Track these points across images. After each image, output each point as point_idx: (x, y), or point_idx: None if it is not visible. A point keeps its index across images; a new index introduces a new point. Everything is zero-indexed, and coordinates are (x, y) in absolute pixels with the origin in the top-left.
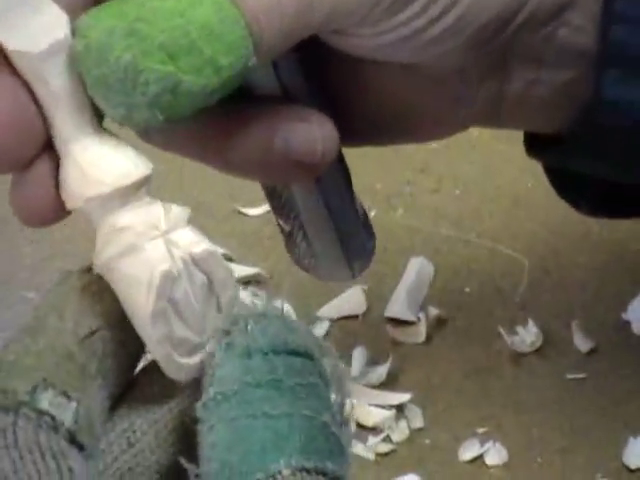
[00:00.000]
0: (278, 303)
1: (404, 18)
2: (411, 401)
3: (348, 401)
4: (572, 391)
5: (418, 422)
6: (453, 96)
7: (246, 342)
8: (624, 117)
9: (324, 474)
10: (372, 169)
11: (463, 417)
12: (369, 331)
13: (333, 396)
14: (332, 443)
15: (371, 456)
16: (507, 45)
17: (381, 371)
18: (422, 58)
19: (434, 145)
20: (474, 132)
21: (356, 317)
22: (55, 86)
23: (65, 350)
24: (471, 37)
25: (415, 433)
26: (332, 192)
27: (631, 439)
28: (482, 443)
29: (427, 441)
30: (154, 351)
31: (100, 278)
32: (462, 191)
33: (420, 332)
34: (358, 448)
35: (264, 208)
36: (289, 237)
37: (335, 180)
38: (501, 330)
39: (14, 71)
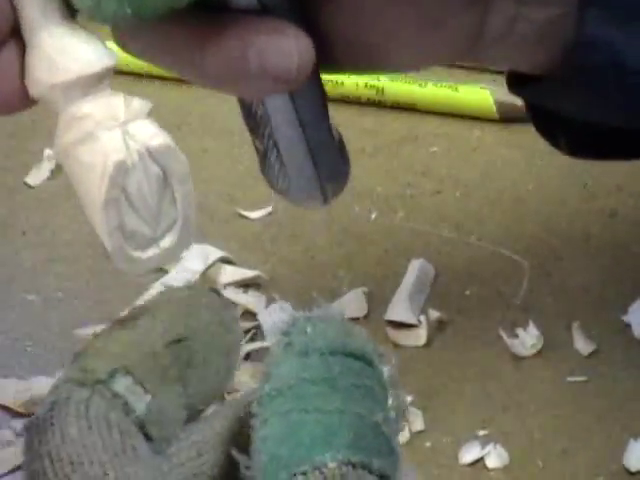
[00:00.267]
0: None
1: None
2: (411, 404)
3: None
4: (573, 394)
5: (419, 425)
6: (431, 20)
7: (305, 342)
8: (603, 57)
9: (370, 471)
10: (373, 172)
11: (464, 420)
12: (369, 334)
13: (390, 401)
14: (381, 442)
15: None
16: None
17: None
18: None
19: (435, 148)
20: (475, 135)
21: (357, 320)
22: None
23: (150, 348)
24: None
25: (415, 436)
26: (306, 109)
27: (632, 442)
28: (483, 446)
29: (427, 444)
30: (105, 241)
31: (198, 294)
32: (463, 194)
33: (421, 335)
34: None
35: (265, 211)
36: (263, 157)
37: (310, 97)
38: (502, 333)
39: None
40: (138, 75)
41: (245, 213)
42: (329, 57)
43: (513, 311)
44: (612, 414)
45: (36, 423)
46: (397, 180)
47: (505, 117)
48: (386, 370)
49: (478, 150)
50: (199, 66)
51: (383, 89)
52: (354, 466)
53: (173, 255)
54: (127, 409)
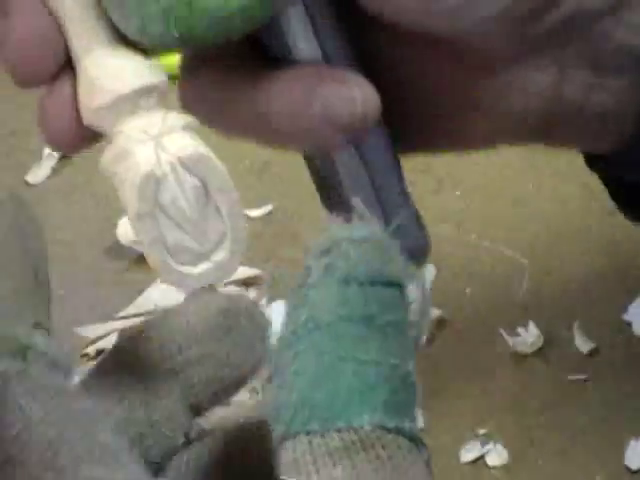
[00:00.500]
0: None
1: None
2: None
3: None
4: (573, 392)
5: (419, 423)
6: (503, 83)
7: (347, 268)
8: None
9: (403, 434)
10: None
11: (464, 418)
12: None
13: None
14: (410, 394)
15: None
16: (558, 36)
17: None
18: (463, 25)
19: None
20: None
21: None
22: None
23: None
24: (501, 14)
25: None
26: (377, 168)
27: (632, 440)
28: (483, 444)
29: (428, 442)
30: (148, 256)
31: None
32: (463, 192)
33: None
34: None
35: (265, 209)
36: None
37: (377, 146)
38: (502, 331)
39: None
40: None
41: (246, 212)
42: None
43: (513, 310)
44: (612, 413)
45: None
46: None
47: None
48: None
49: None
50: (263, 116)
51: None
52: (389, 431)
53: (227, 269)
54: (59, 367)
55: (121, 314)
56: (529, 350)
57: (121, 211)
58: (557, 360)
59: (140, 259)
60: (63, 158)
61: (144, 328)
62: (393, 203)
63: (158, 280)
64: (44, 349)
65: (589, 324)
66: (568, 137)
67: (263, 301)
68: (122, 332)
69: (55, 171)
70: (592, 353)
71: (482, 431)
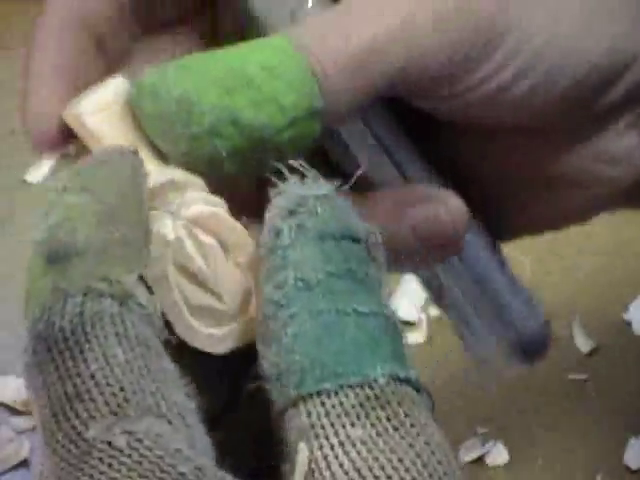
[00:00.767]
0: None
1: (483, 75)
2: None
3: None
4: (573, 391)
5: None
6: (585, 155)
7: (320, 225)
8: None
9: (411, 384)
10: None
11: (464, 418)
12: None
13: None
14: (404, 344)
15: None
16: (630, 100)
17: None
18: (517, 117)
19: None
20: None
21: None
22: (107, 139)
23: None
24: (568, 94)
25: None
26: (477, 262)
27: (632, 439)
28: (483, 443)
29: None
30: (171, 321)
31: None
32: None
33: (421, 332)
34: None
35: None
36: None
37: (477, 247)
38: None
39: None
40: None
41: None
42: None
43: None
44: (612, 412)
45: (61, 337)
46: None
47: None
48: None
49: None
50: None
51: None
52: (400, 381)
53: (254, 329)
54: (153, 325)
55: None
56: None
57: None
58: (557, 359)
59: None
60: (63, 158)
61: None
62: (494, 297)
63: None
64: (144, 302)
65: (589, 323)
66: None
67: None
68: None
69: (54, 170)
70: (592, 352)
71: (482, 430)
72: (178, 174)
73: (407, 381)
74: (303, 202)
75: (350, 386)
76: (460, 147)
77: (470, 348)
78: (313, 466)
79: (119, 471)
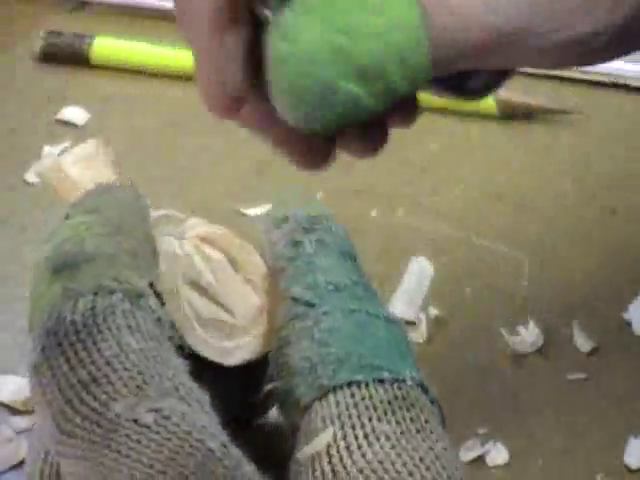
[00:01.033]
0: None
1: None
2: None
3: None
4: (573, 391)
5: None
6: None
7: (337, 241)
8: None
9: (427, 393)
10: (373, 169)
11: (463, 418)
12: None
13: None
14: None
15: None
16: None
17: None
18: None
19: (435, 145)
20: (475, 132)
21: None
22: (85, 185)
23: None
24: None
25: None
26: None
27: (632, 439)
28: (483, 444)
29: None
30: (182, 333)
31: None
32: (463, 191)
33: (421, 332)
34: None
35: (264, 208)
36: None
37: None
38: (502, 330)
39: None
40: (138, 72)
41: (245, 211)
42: None
43: (513, 308)
44: (612, 412)
45: (72, 329)
46: (397, 178)
47: (505, 114)
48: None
49: (478, 147)
50: None
51: None
52: (422, 388)
53: (266, 342)
54: (163, 328)
55: None
56: (529, 349)
57: None
58: (557, 359)
59: None
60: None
61: None
62: None
63: None
64: (153, 306)
65: (589, 323)
66: None
67: None
68: None
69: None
70: (592, 352)
71: (482, 430)
72: (172, 211)
73: (426, 392)
74: (317, 221)
75: (382, 381)
76: None
77: None
78: (333, 452)
79: (148, 447)
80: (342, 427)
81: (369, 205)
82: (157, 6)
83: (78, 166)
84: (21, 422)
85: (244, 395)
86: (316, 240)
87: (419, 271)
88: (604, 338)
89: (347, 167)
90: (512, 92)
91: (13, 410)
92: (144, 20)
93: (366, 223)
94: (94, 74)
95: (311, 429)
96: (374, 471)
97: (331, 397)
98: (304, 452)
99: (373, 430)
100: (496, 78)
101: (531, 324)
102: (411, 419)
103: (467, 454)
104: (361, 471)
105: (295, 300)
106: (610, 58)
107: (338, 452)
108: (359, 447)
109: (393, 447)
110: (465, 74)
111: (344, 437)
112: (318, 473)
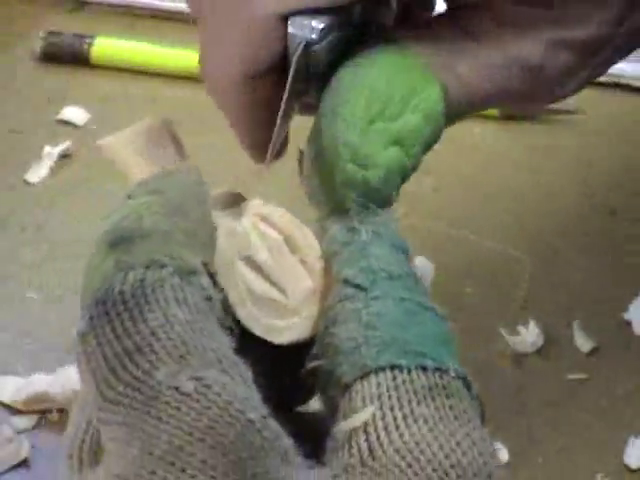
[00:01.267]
0: None
1: None
2: None
3: None
4: (573, 391)
5: None
6: None
7: (391, 235)
8: None
9: (468, 387)
10: None
11: None
12: None
13: None
14: None
15: None
16: None
17: None
18: None
19: (435, 145)
20: (475, 132)
21: None
22: (137, 166)
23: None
24: None
25: None
26: None
27: (632, 439)
28: None
29: None
30: (234, 308)
31: None
32: (463, 191)
33: None
34: None
35: None
36: None
37: None
38: (502, 330)
39: None
40: (138, 72)
41: None
42: None
43: (513, 308)
44: (612, 411)
45: (120, 299)
46: None
47: (505, 114)
48: None
49: (478, 147)
50: None
51: None
52: (464, 380)
53: (314, 325)
54: (213, 307)
55: None
56: (529, 349)
57: None
58: (557, 359)
59: None
60: (62, 157)
61: None
62: None
63: None
64: (204, 285)
65: (589, 323)
66: None
67: None
68: None
69: (54, 170)
70: (592, 352)
71: None
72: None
73: (468, 387)
74: (373, 214)
75: (424, 368)
76: None
77: None
78: (371, 431)
79: (188, 414)
80: (381, 407)
81: None
82: (157, 6)
83: (140, 143)
84: (21, 422)
85: (288, 376)
86: (372, 231)
87: (419, 271)
88: (604, 338)
89: None
90: None
91: (13, 410)
92: (144, 20)
93: None
94: (94, 74)
95: (350, 407)
96: (410, 451)
97: (373, 378)
98: (342, 427)
99: (412, 412)
100: None
101: (531, 324)
102: (450, 407)
103: None
104: (397, 451)
105: (346, 282)
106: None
107: (376, 431)
108: (397, 427)
109: (431, 430)
110: None
111: (382, 417)
112: (355, 450)
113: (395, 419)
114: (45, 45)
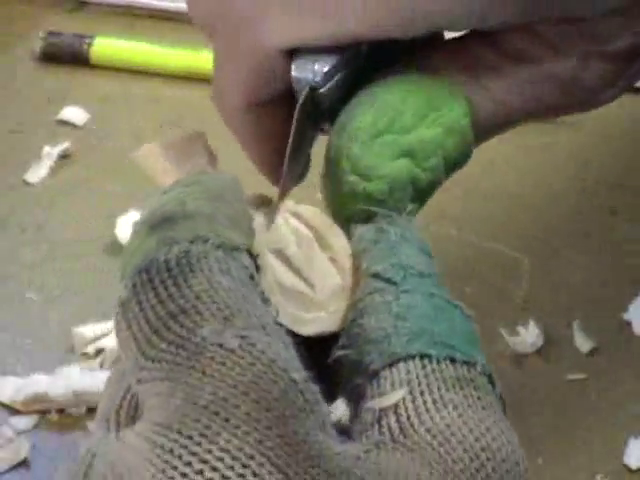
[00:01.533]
0: None
1: None
2: None
3: None
4: (573, 391)
5: None
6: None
7: (418, 238)
8: None
9: (493, 384)
10: None
11: None
12: None
13: None
14: None
15: None
16: None
17: None
18: None
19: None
20: None
21: None
22: (172, 173)
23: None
24: None
25: None
26: None
27: (632, 439)
28: None
29: None
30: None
31: None
32: (463, 191)
33: None
34: None
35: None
36: None
37: None
38: (502, 331)
39: None
40: (138, 72)
41: None
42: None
43: (513, 309)
44: (612, 412)
45: (164, 267)
46: None
47: None
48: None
49: (478, 147)
50: None
51: None
52: (489, 378)
53: (341, 321)
54: (252, 282)
55: None
56: (529, 349)
57: (121, 210)
58: (557, 359)
59: None
60: (62, 157)
61: None
62: None
63: None
64: (246, 263)
65: (589, 323)
66: None
67: None
68: None
69: (54, 170)
70: (592, 352)
71: None
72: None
73: (493, 385)
74: (400, 219)
75: (453, 360)
76: None
77: None
78: (402, 412)
79: (232, 369)
80: (411, 392)
81: None
82: (157, 6)
83: (173, 153)
84: (21, 422)
85: (312, 368)
86: (400, 234)
87: None
88: (604, 338)
89: None
90: None
91: (13, 410)
92: (144, 20)
93: None
94: (94, 74)
95: (379, 392)
96: (441, 432)
97: (402, 365)
98: (371, 405)
99: (441, 398)
100: None
101: (531, 324)
102: (478, 397)
103: None
104: (428, 430)
105: (376, 276)
106: None
107: (406, 411)
108: (427, 410)
109: (460, 415)
110: None
111: (413, 401)
112: (385, 429)
113: (425, 402)
114: (45, 45)
